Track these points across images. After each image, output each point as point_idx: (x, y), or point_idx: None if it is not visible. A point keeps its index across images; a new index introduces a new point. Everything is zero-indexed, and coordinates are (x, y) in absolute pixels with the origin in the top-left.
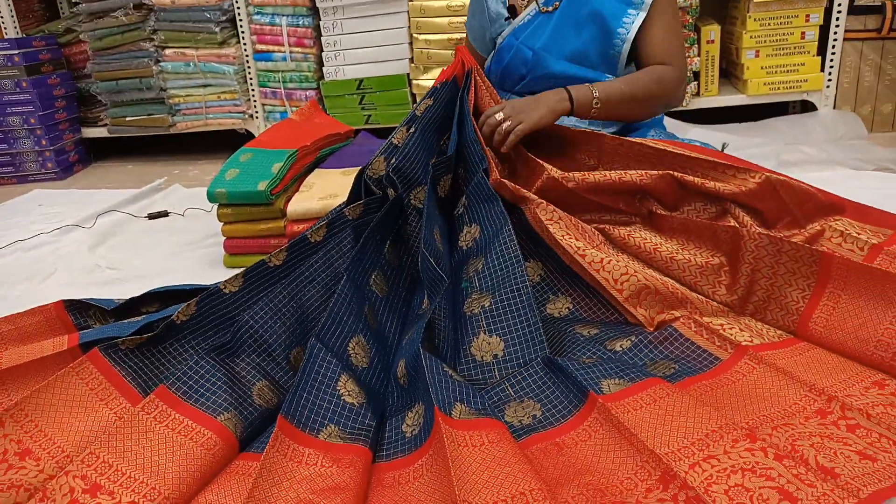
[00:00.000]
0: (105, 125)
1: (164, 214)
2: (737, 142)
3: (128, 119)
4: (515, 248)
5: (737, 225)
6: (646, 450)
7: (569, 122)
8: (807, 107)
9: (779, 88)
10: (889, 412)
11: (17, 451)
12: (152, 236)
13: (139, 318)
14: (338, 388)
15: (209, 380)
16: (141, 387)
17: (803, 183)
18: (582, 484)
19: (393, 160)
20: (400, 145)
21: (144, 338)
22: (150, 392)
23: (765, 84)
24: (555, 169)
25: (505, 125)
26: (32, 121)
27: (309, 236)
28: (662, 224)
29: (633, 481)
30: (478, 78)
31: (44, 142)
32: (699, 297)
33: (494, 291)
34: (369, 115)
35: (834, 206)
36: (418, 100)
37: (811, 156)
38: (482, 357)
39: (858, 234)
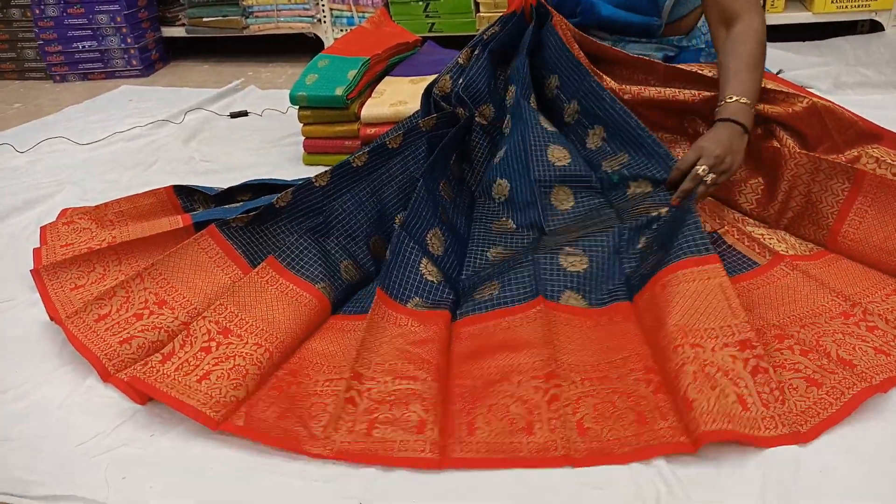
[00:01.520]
0: (183, 25)
1: (245, 114)
2: (796, 61)
3: (204, 20)
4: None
5: (779, 145)
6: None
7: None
8: (876, 27)
9: (846, 7)
10: None
11: (156, 300)
12: (236, 133)
13: (238, 205)
14: (420, 268)
15: (307, 254)
16: (249, 258)
17: (847, 110)
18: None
19: (461, 80)
20: (466, 66)
21: (251, 216)
22: (257, 262)
23: (832, 2)
24: (612, 81)
25: (709, 178)
26: (118, 19)
27: (388, 142)
28: None
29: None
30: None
31: (129, 39)
32: (736, 212)
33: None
34: (433, 23)
35: (873, 133)
36: (481, 8)
37: (869, 77)
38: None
39: (894, 160)
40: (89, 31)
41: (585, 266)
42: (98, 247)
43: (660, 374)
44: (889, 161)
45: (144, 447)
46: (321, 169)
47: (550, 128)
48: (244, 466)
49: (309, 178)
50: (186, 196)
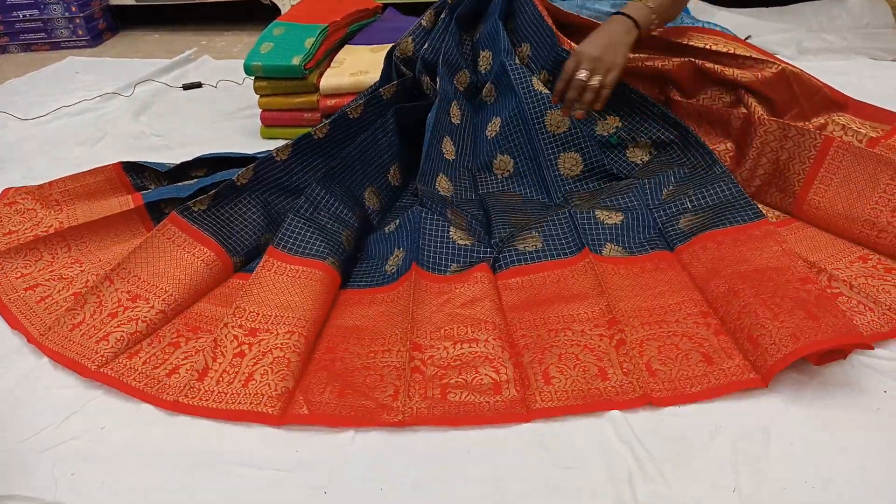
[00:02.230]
0: None
1: (198, 85)
2: (760, 27)
3: None
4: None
5: (748, 112)
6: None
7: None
8: None
9: None
10: (869, 283)
11: (129, 297)
12: (190, 106)
13: (193, 182)
14: (450, 236)
15: (305, 234)
16: (221, 239)
17: (813, 77)
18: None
19: (426, 45)
20: (430, 30)
21: (211, 196)
22: (231, 243)
23: None
24: None
25: (593, 82)
26: None
27: (349, 112)
28: (678, 109)
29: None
30: None
31: (74, 8)
32: None
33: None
34: None
35: (838, 102)
36: None
37: (831, 43)
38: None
39: (859, 128)
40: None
41: (621, 218)
42: (45, 234)
43: (717, 318)
44: (854, 128)
45: (95, 441)
46: (280, 143)
47: (545, 90)
48: (200, 459)
49: (269, 153)
50: (136, 173)
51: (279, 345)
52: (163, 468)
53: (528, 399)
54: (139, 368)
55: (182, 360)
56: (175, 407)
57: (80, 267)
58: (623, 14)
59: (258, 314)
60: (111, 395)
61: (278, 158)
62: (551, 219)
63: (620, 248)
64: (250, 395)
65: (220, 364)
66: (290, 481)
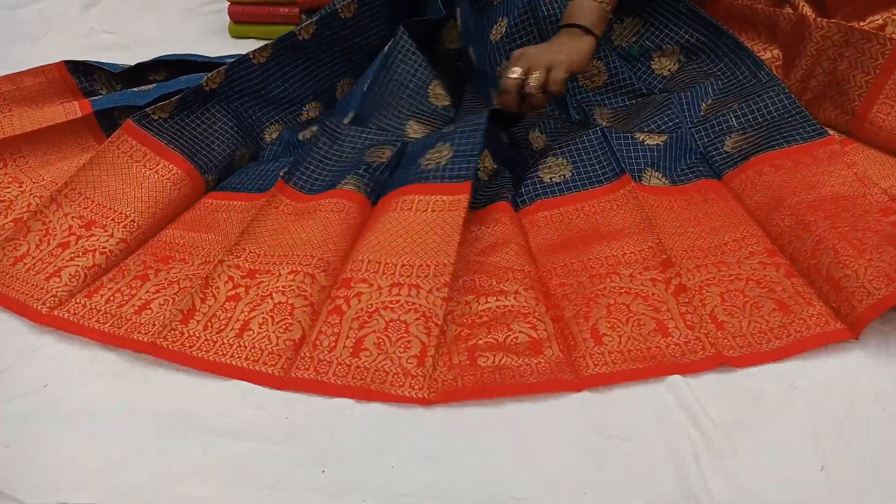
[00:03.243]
0: None
1: None
2: None
3: None
4: None
5: (798, 13)
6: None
7: None
8: None
9: None
10: None
11: (82, 224)
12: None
13: (151, 87)
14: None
15: (308, 166)
16: (188, 153)
17: None
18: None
19: None
20: None
21: (174, 102)
22: (198, 157)
23: None
24: None
25: (533, 80)
26: None
27: (340, 10)
28: (714, 11)
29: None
30: None
31: None
32: None
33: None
34: None
35: None
36: None
37: None
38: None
39: None
40: None
41: (665, 138)
42: None
43: (786, 258)
44: None
45: (40, 402)
46: (252, 43)
47: None
48: (172, 425)
49: (245, 55)
50: (84, 75)
51: (280, 287)
52: (125, 436)
53: (576, 364)
54: (102, 308)
55: (153, 293)
56: (152, 350)
57: (20, 187)
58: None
59: (259, 255)
60: (64, 343)
61: (255, 62)
62: (581, 140)
63: (662, 176)
64: (246, 347)
65: (209, 307)
66: (279, 454)
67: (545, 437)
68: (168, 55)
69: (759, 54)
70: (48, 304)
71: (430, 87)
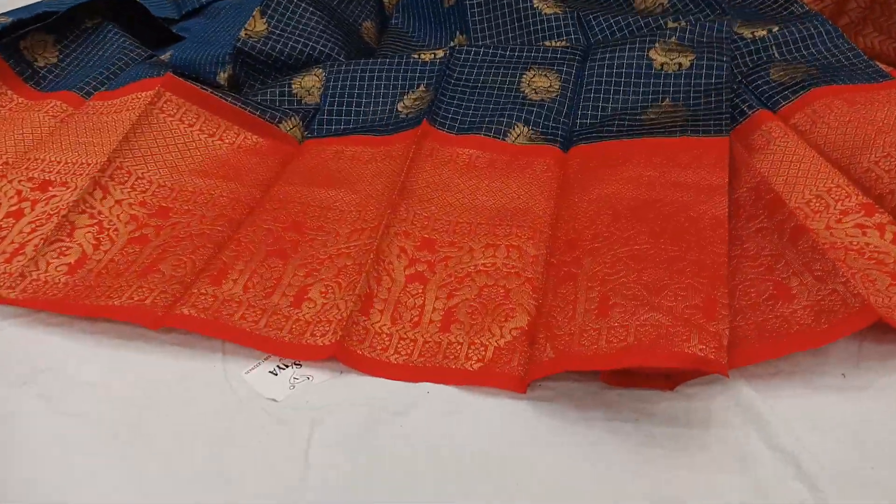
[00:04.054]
0: None
1: None
2: None
3: None
4: None
5: None
6: None
7: None
8: None
9: None
10: None
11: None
12: None
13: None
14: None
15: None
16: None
17: None
18: None
19: None
20: None
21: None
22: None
23: None
24: None
25: None
26: None
27: None
28: None
29: None
30: None
31: None
32: None
33: None
34: None
35: None
36: None
37: None
38: None
39: None
40: None
41: (692, 58)
42: None
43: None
44: None
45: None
46: None
47: None
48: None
49: None
50: None
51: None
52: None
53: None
54: (241, 298)
55: (304, 277)
56: (340, 353)
57: None
58: None
59: (60, 162)
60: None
61: None
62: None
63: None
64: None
65: (388, 291)
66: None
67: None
68: None
69: None
70: (11, 284)
71: None
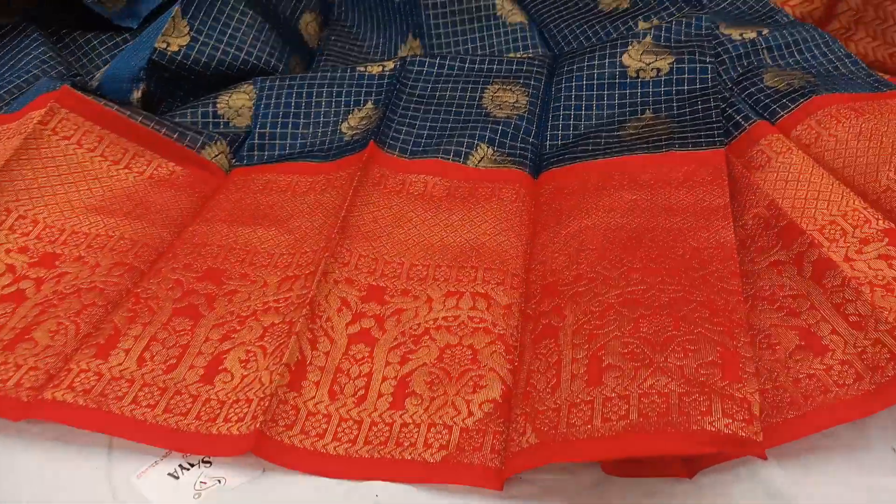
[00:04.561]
0: None
1: None
2: None
3: None
4: None
5: None
6: None
7: None
8: None
9: None
10: None
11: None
12: None
13: None
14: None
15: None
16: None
17: None
18: None
19: None
20: None
21: None
22: None
23: None
24: None
25: None
26: None
27: None
28: None
29: None
30: None
31: None
32: None
33: None
34: None
35: None
36: None
37: None
38: None
39: None
40: None
41: (671, 61)
42: None
43: None
44: None
45: None
46: None
47: None
48: None
49: None
50: None
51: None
52: None
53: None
54: (134, 376)
55: (220, 341)
56: (256, 447)
57: None
58: None
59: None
60: None
61: None
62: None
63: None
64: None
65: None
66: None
67: None
68: None
69: None
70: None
71: None
